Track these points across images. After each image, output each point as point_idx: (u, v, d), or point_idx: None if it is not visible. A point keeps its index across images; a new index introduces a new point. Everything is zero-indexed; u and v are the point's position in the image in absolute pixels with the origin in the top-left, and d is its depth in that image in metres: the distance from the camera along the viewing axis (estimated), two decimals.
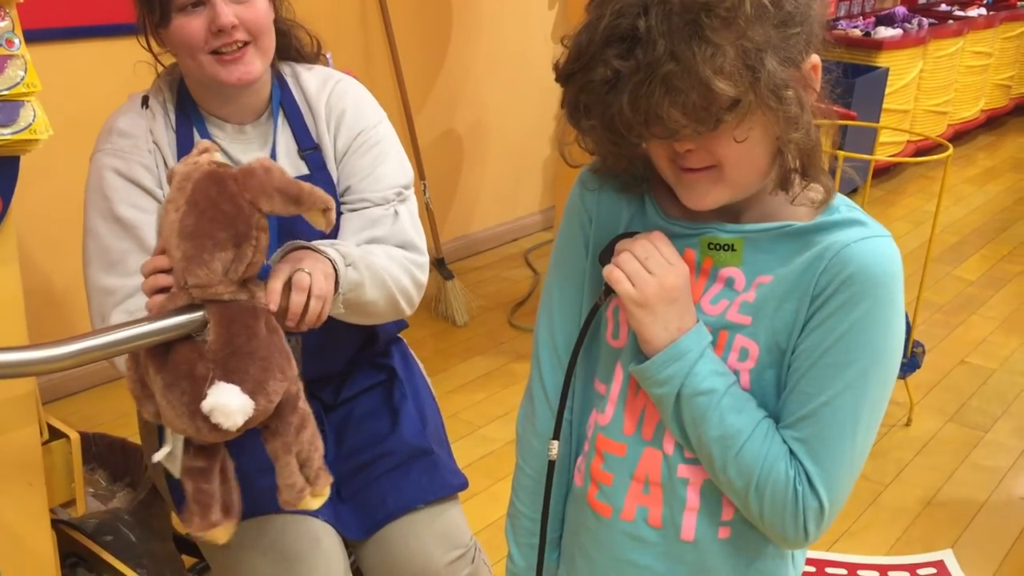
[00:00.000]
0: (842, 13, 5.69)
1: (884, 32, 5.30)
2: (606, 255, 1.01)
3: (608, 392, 1.06)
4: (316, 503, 1.23)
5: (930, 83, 5.60)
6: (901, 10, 5.77)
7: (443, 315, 3.58)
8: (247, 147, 1.49)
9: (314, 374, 1.51)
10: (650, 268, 0.96)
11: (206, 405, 1.09)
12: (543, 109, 4.33)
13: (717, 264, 0.99)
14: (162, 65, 1.52)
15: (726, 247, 0.98)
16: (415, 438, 1.59)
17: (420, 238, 1.53)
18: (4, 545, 1.37)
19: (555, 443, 1.09)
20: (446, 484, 1.56)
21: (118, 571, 1.67)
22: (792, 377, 0.96)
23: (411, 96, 3.58)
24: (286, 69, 1.55)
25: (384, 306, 1.45)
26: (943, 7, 6.51)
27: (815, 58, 0.92)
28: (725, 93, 0.83)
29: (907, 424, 3.01)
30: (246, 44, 1.40)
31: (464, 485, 1.59)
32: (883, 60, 5.11)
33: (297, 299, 1.21)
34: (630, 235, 1.01)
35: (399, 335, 1.74)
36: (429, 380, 1.76)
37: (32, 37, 1.25)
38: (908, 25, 5.52)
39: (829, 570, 2.35)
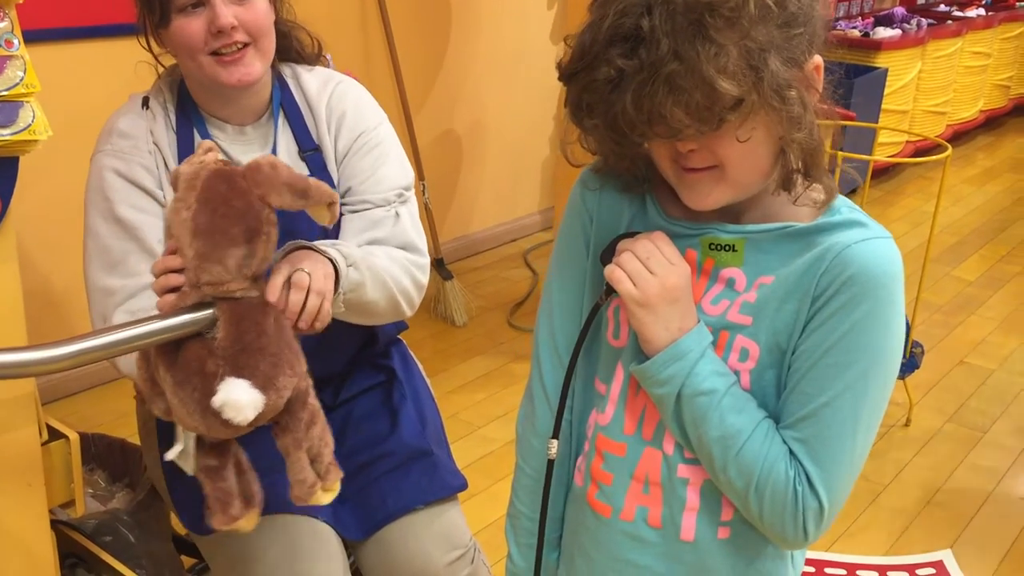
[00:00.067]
0: (841, 13, 5.70)
1: (883, 32, 5.30)
2: (607, 255, 1.01)
3: (608, 392, 1.06)
4: (327, 498, 1.24)
5: (929, 83, 5.61)
6: (900, 10, 5.77)
7: (442, 316, 3.59)
8: (247, 148, 1.49)
9: (314, 375, 1.51)
10: (652, 268, 0.96)
11: (217, 400, 1.09)
12: (542, 109, 4.33)
13: (718, 264, 0.99)
14: (162, 66, 1.52)
15: (727, 247, 0.99)
16: (414, 439, 1.59)
17: (421, 239, 1.53)
18: (4, 546, 1.37)
19: (554, 442, 1.09)
20: (445, 485, 1.56)
21: (117, 572, 1.67)
22: (792, 378, 0.96)
23: (410, 96, 3.58)
24: (286, 70, 1.55)
25: (385, 307, 1.45)
26: (942, 7, 6.52)
27: (818, 59, 0.93)
28: (728, 93, 0.83)
29: (906, 424, 3.01)
30: (246, 45, 1.40)
31: (464, 486, 1.59)
32: (882, 60, 5.11)
33: (295, 297, 1.21)
34: (631, 235, 1.01)
35: (399, 336, 1.74)
36: (428, 381, 1.76)
37: (31, 37, 1.25)
38: (907, 25, 5.53)
39: (828, 570, 2.35)
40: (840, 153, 2.50)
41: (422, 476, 1.56)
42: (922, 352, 3.04)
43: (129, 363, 1.38)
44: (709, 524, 1.02)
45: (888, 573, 2.37)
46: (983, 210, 5.16)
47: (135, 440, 1.81)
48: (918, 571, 2.37)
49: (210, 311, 1.14)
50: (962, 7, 6.50)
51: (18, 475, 1.37)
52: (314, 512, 1.48)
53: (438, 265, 3.59)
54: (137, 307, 1.37)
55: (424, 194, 3.43)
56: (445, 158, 4.00)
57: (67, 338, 1.10)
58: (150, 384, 1.18)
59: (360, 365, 1.66)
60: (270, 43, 1.45)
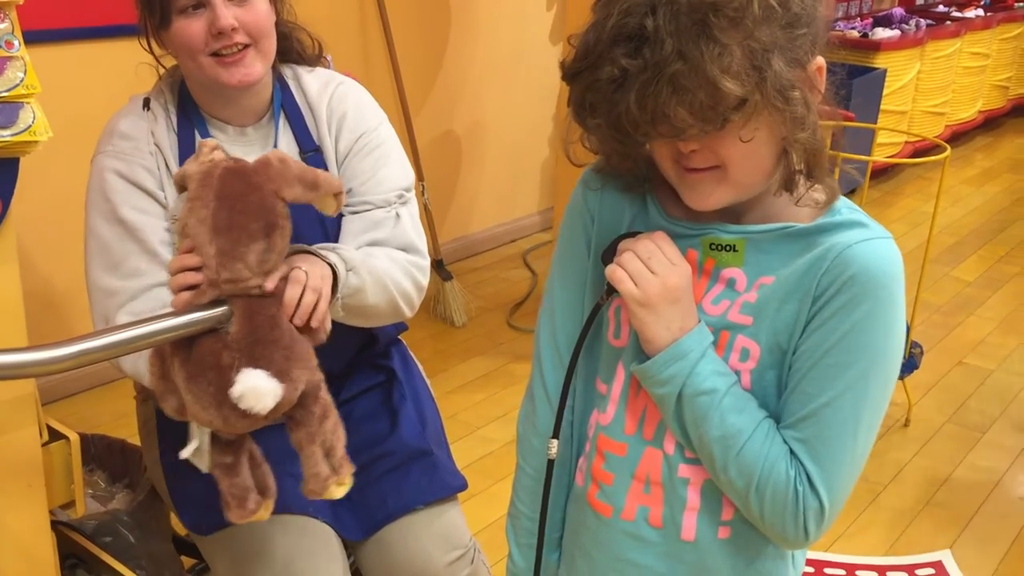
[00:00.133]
0: (840, 14, 5.70)
1: (882, 33, 5.30)
2: (608, 254, 1.01)
3: (609, 392, 1.06)
4: (340, 492, 1.25)
5: (928, 84, 5.61)
6: (899, 11, 5.78)
7: (442, 316, 3.59)
8: (248, 149, 1.49)
9: None
10: (653, 268, 0.96)
11: (236, 391, 1.10)
12: (541, 110, 4.34)
13: (719, 265, 1.00)
14: (163, 67, 1.52)
15: (728, 248, 0.99)
16: (414, 439, 1.60)
17: (421, 241, 1.54)
18: (4, 547, 1.37)
19: (554, 442, 1.09)
20: (445, 485, 1.57)
21: (117, 572, 1.67)
22: (793, 378, 0.96)
23: (409, 97, 3.58)
24: (287, 71, 1.55)
25: (385, 309, 1.45)
26: (941, 8, 6.52)
27: (820, 59, 0.93)
28: (732, 93, 0.84)
29: (905, 425, 3.01)
30: (247, 46, 1.41)
31: (463, 486, 1.59)
32: (881, 61, 5.11)
33: (292, 291, 1.21)
34: (632, 235, 1.01)
35: (399, 337, 1.74)
36: (428, 381, 1.76)
37: (32, 38, 1.25)
38: (906, 26, 5.53)
39: (828, 571, 2.36)
40: (839, 154, 2.50)
41: (422, 476, 1.56)
42: (921, 352, 3.04)
43: (133, 363, 1.39)
44: (710, 524, 1.02)
45: (887, 573, 2.37)
46: (982, 211, 5.16)
47: (135, 441, 1.81)
48: (917, 571, 2.37)
49: (224, 308, 1.16)
50: (961, 8, 6.50)
51: (18, 476, 1.37)
52: (314, 512, 1.48)
53: (438, 266, 3.59)
54: (139, 308, 1.37)
55: (424, 195, 3.43)
56: (444, 159, 4.00)
57: (69, 339, 1.11)
58: (163, 382, 1.19)
59: (360, 365, 1.66)
60: (271, 44, 1.45)
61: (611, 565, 1.08)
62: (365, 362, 1.67)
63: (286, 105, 1.52)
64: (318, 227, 1.47)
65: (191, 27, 1.37)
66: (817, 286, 0.94)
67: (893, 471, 2.78)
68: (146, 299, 1.39)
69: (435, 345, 3.39)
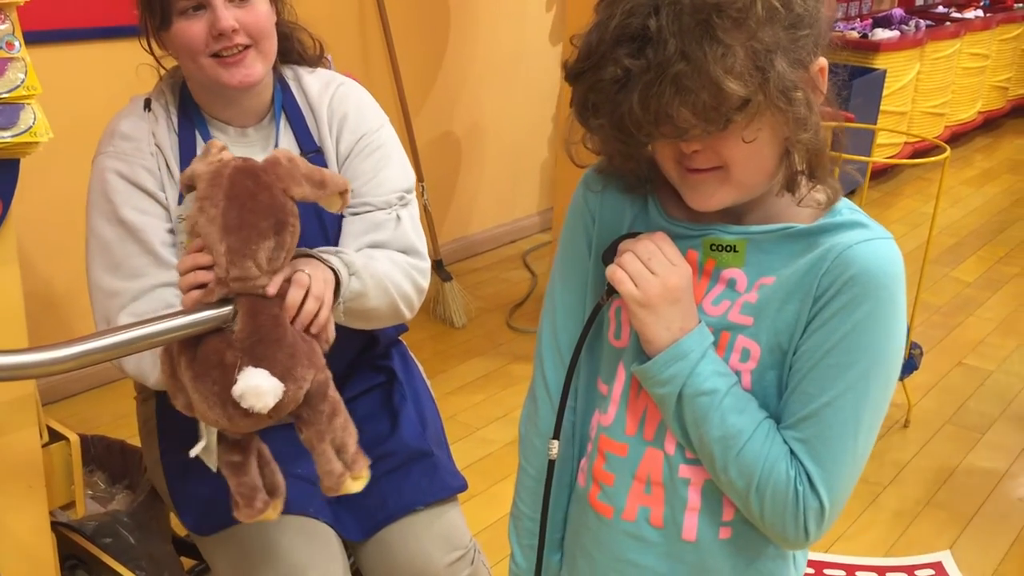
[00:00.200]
0: (839, 15, 5.70)
1: (881, 34, 5.31)
2: (609, 255, 1.01)
3: (610, 392, 1.06)
4: (357, 486, 1.25)
5: (927, 85, 5.61)
6: (898, 12, 5.78)
7: (441, 317, 3.59)
8: (249, 150, 1.49)
9: None
10: (653, 268, 0.97)
11: (237, 389, 1.11)
12: (541, 111, 4.34)
13: (719, 265, 1.00)
14: (164, 68, 1.52)
15: (728, 248, 0.99)
16: (415, 440, 1.60)
17: (422, 243, 1.54)
18: (4, 548, 1.37)
19: (555, 443, 1.09)
20: (446, 486, 1.57)
21: (117, 573, 1.67)
22: (794, 378, 0.96)
23: (409, 98, 3.58)
24: (288, 72, 1.55)
25: (386, 312, 1.45)
26: (940, 9, 6.53)
27: (822, 60, 0.93)
28: (735, 93, 0.84)
29: (905, 425, 3.01)
30: (247, 47, 1.40)
31: (464, 487, 1.59)
32: (880, 62, 5.11)
33: (295, 294, 1.21)
34: (633, 235, 1.01)
35: (399, 338, 1.74)
36: (428, 382, 1.76)
37: (33, 39, 1.25)
38: (905, 27, 5.53)
39: (828, 571, 2.36)
40: (840, 155, 2.50)
41: (422, 477, 1.56)
42: (921, 353, 3.04)
43: (135, 364, 1.39)
44: (710, 524, 1.02)
45: (887, 574, 2.37)
46: (981, 211, 5.17)
47: (135, 441, 1.81)
48: (917, 572, 2.37)
49: (227, 308, 1.17)
50: (960, 8, 6.51)
51: (19, 477, 1.37)
52: (315, 513, 1.48)
53: (437, 266, 3.59)
54: (141, 309, 1.37)
55: (423, 195, 3.43)
56: (444, 160, 4.00)
57: (70, 339, 1.11)
58: (172, 380, 1.20)
59: (360, 366, 1.66)
60: (271, 45, 1.45)
61: (612, 566, 1.08)
62: (365, 363, 1.67)
63: (287, 106, 1.52)
64: (317, 227, 1.47)
65: (191, 28, 1.37)
66: (818, 286, 0.94)
67: (893, 472, 2.78)
68: (148, 300, 1.39)
69: (435, 346, 3.39)
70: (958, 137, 6.29)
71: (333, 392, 1.23)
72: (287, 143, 1.51)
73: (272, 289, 1.19)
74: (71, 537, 1.71)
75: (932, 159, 3.11)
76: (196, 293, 1.19)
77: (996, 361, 3.48)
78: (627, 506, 1.05)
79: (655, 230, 1.01)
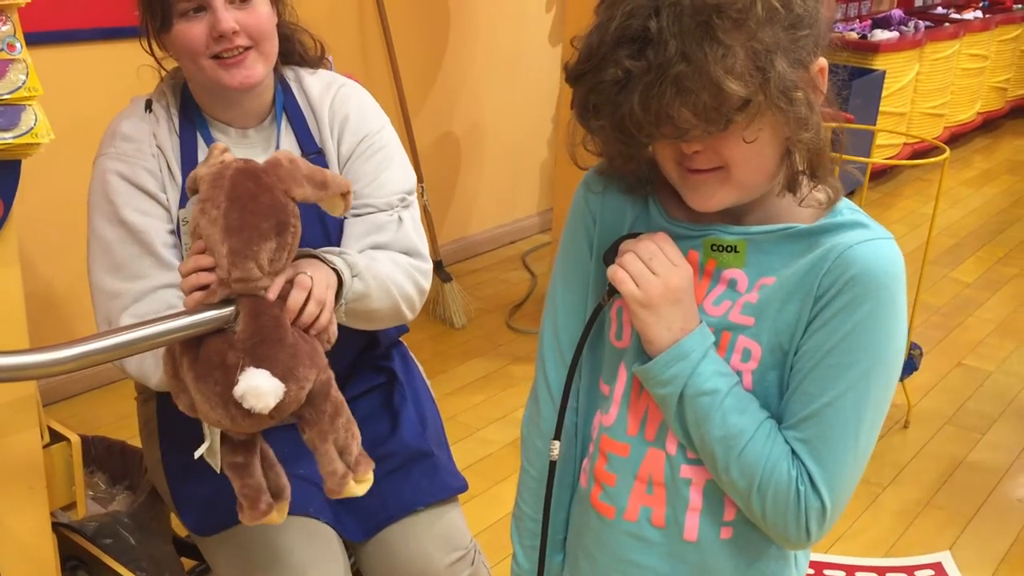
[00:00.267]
0: (839, 16, 5.70)
1: (880, 35, 5.31)
2: (610, 255, 1.01)
3: (612, 393, 1.06)
4: (360, 490, 1.26)
5: (926, 86, 5.62)
6: (897, 13, 5.78)
7: (441, 317, 3.59)
8: (250, 151, 1.49)
9: None
10: (654, 269, 0.97)
11: (238, 390, 1.12)
12: (541, 112, 4.34)
13: (720, 265, 1.00)
14: (164, 69, 1.53)
15: (729, 249, 0.99)
16: (415, 440, 1.60)
17: (423, 244, 1.54)
18: (5, 548, 1.37)
19: (556, 443, 1.09)
20: (446, 486, 1.57)
21: (118, 574, 1.67)
22: (795, 378, 0.96)
23: (409, 99, 3.58)
24: (289, 73, 1.55)
25: (388, 313, 1.45)
26: (939, 10, 6.53)
27: (822, 61, 0.93)
28: (736, 93, 0.84)
29: (905, 426, 3.01)
30: (248, 48, 1.41)
31: (464, 487, 1.59)
32: (879, 63, 5.12)
33: (297, 295, 1.22)
34: (634, 236, 1.01)
35: (399, 338, 1.74)
36: (429, 383, 1.76)
37: (34, 40, 1.25)
38: (904, 28, 5.54)
39: (828, 572, 2.36)
40: (840, 155, 2.50)
41: (423, 477, 1.56)
42: (920, 354, 3.04)
43: (137, 365, 1.39)
44: (712, 524, 1.02)
45: (887, 574, 2.37)
46: (981, 212, 5.17)
47: (135, 442, 1.81)
48: (917, 572, 2.38)
49: (229, 308, 1.17)
50: (959, 9, 6.51)
51: (20, 478, 1.37)
52: (315, 513, 1.48)
53: (437, 267, 3.60)
54: (142, 311, 1.38)
55: (423, 196, 3.43)
56: (444, 160, 4.00)
57: (72, 340, 1.11)
58: (175, 380, 1.20)
59: (361, 367, 1.66)
60: (272, 46, 1.45)
61: (614, 566, 1.08)
62: (366, 364, 1.67)
63: (288, 107, 1.52)
64: (319, 228, 1.47)
65: (192, 30, 1.38)
66: (818, 286, 0.94)
67: (893, 472, 2.78)
68: (149, 301, 1.39)
69: (434, 347, 3.39)
70: (957, 138, 6.29)
71: (336, 392, 1.23)
72: (288, 144, 1.51)
73: (273, 293, 1.19)
74: (72, 538, 1.71)
75: (931, 160, 3.11)
76: (198, 294, 1.19)
77: (995, 362, 3.48)
78: (629, 506, 1.05)
79: (656, 231, 1.01)
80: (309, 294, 1.23)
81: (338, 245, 1.48)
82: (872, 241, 0.94)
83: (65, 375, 1.15)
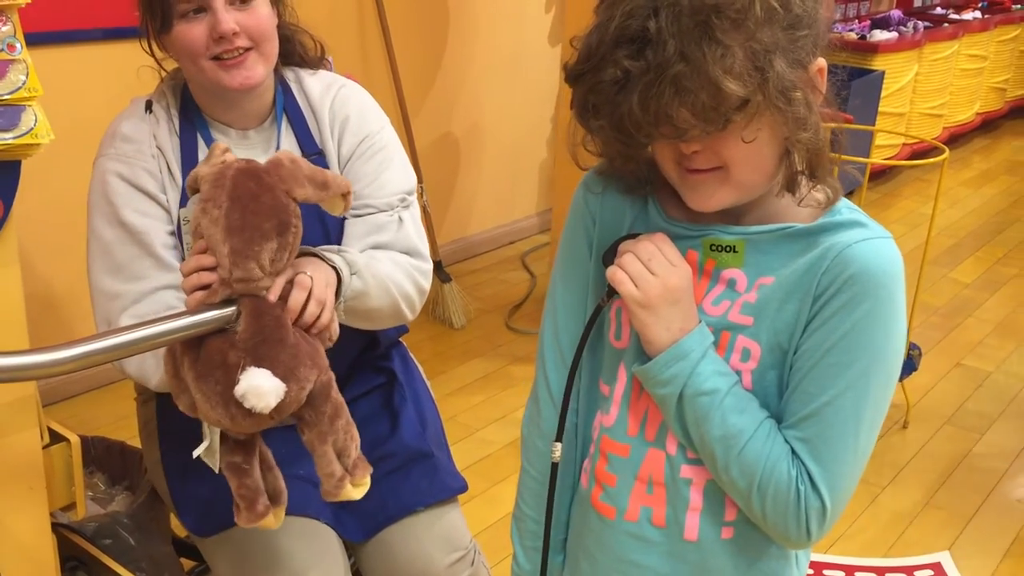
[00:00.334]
0: (838, 16, 5.71)
1: (879, 35, 5.32)
2: (609, 256, 1.01)
3: (612, 393, 1.06)
4: (357, 493, 1.26)
5: (925, 86, 5.62)
6: (896, 13, 5.79)
7: (440, 318, 3.59)
8: (251, 152, 1.49)
9: None
10: (653, 269, 0.97)
11: (239, 389, 1.12)
12: (540, 112, 4.34)
13: (719, 265, 1.00)
14: (164, 70, 1.53)
15: (728, 248, 0.99)
16: (415, 441, 1.60)
17: (423, 244, 1.54)
18: (5, 549, 1.37)
19: (558, 445, 1.09)
20: (446, 487, 1.57)
21: (117, 574, 1.67)
22: (794, 377, 0.96)
23: (408, 99, 3.58)
24: (289, 74, 1.56)
25: (387, 312, 1.46)
26: (938, 10, 6.53)
27: (821, 61, 0.93)
28: (735, 93, 0.84)
29: (904, 426, 3.01)
30: (248, 49, 1.41)
31: (464, 488, 1.59)
32: (879, 63, 5.12)
33: (297, 295, 1.22)
34: (633, 236, 1.01)
35: (399, 339, 1.74)
36: (428, 383, 1.76)
37: (34, 41, 1.25)
38: (903, 28, 5.54)
39: (827, 572, 2.36)
40: (839, 156, 2.50)
41: (422, 478, 1.56)
42: (920, 354, 3.04)
43: (137, 366, 1.39)
44: (712, 524, 1.03)
45: (887, 574, 2.37)
46: (980, 212, 5.17)
47: (135, 443, 1.81)
48: (916, 572, 2.38)
49: (230, 308, 1.18)
50: (958, 10, 6.52)
51: (19, 478, 1.37)
52: (315, 514, 1.48)
53: (436, 268, 3.59)
54: (142, 312, 1.38)
55: (422, 197, 3.43)
56: (443, 161, 4.00)
57: (72, 341, 1.11)
58: (175, 380, 1.20)
59: (361, 367, 1.66)
60: (272, 47, 1.45)
61: (614, 566, 1.08)
62: (366, 364, 1.67)
63: (288, 108, 1.53)
64: (319, 228, 1.47)
65: (192, 31, 1.38)
66: (817, 285, 0.94)
67: (892, 472, 2.79)
68: (149, 302, 1.39)
69: (434, 347, 3.39)
70: (956, 138, 6.30)
71: (336, 394, 1.23)
72: (288, 145, 1.51)
73: (273, 295, 1.19)
74: (71, 538, 1.71)
75: (930, 160, 3.11)
76: (200, 294, 1.20)
77: (995, 362, 3.48)
78: (629, 507, 1.05)
79: (655, 231, 1.01)
80: (309, 294, 1.23)
81: (338, 245, 1.48)
82: (871, 240, 0.94)
83: (65, 375, 1.15)
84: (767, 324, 0.97)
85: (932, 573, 2.37)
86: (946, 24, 5.92)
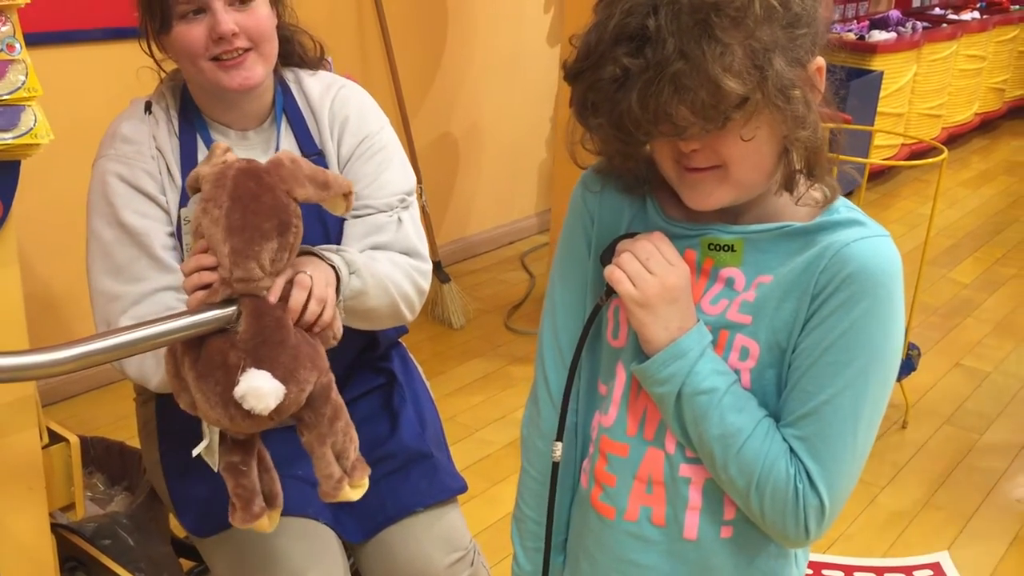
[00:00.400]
0: (836, 16, 5.71)
1: (878, 36, 5.32)
2: (607, 255, 1.01)
3: (610, 393, 1.06)
4: (356, 494, 1.26)
5: (924, 87, 5.62)
6: (895, 14, 5.79)
7: (440, 318, 3.59)
8: (250, 153, 1.49)
9: None
10: (651, 268, 0.97)
11: (239, 391, 1.12)
12: (539, 112, 4.34)
13: (717, 264, 1.00)
14: (164, 71, 1.53)
15: (726, 247, 0.99)
16: (414, 441, 1.60)
17: (423, 244, 1.54)
18: (4, 549, 1.37)
19: (558, 445, 1.09)
20: (445, 487, 1.57)
21: (116, 575, 1.67)
22: (792, 376, 0.97)
23: (407, 100, 3.58)
24: (289, 75, 1.56)
25: (386, 312, 1.46)
26: (937, 11, 6.54)
27: (820, 60, 0.94)
28: (734, 91, 0.84)
29: (903, 427, 3.02)
30: (247, 50, 1.41)
31: (463, 488, 1.59)
32: (877, 64, 5.12)
33: (298, 295, 1.22)
34: (631, 236, 1.01)
35: (399, 339, 1.74)
36: (428, 383, 1.76)
37: (33, 41, 1.25)
38: (902, 29, 5.54)
39: (826, 572, 2.36)
40: (837, 156, 2.50)
41: (422, 479, 1.56)
42: (919, 354, 3.05)
43: (137, 366, 1.39)
44: (712, 523, 1.03)
45: (886, 574, 2.37)
46: (978, 213, 5.18)
47: (134, 443, 1.81)
48: (915, 572, 2.38)
49: (230, 308, 1.18)
50: (957, 10, 6.52)
51: (19, 478, 1.37)
52: (314, 514, 1.48)
53: (435, 268, 3.59)
54: (142, 313, 1.37)
55: (421, 197, 3.43)
56: (442, 161, 4.00)
57: (71, 341, 1.11)
58: (176, 380, 1.20)
59: (360, 368, 1.66)
60: (272, 48, 1.45)
61: (614, 566, 1.08)
62: (365, 365, 1.67)
63: (288, 109, 1.53)
64: (319, 228, 1.47)
65: (192, 32, 1.38)
66: (815, 284, 0.94)
67: (891, 472, 2.79)
68: (148, 304, 1.39)
69: (433, 347, 3.40)
70: (955, 139, 6.30)
71: (335, 396, 1.23)
72: (288, 146, 1.51)
73: (273, 296, 1.19)
74: (71, 539, 1.71)
75: (929, 161, 3.11)
76: (200, 294, 1.20)
77: (994, 362, 3.49)
78: (629, 507, 1.05)
79: (653, 230, 1.01)
80: (310, 293, 1.23)
81: (338, 245, 1.48)
82: (869, 239, 0.94)
83: (64, 376, 1.15)
84: (765, 323, 0.97)
85: (931, 573, 2.37)
86: (944, 24, 5.93)
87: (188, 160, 1.46)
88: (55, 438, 1.57)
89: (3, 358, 1.08)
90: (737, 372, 0.98)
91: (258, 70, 1.42)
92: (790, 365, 0.97)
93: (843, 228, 0.95)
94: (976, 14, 6.40)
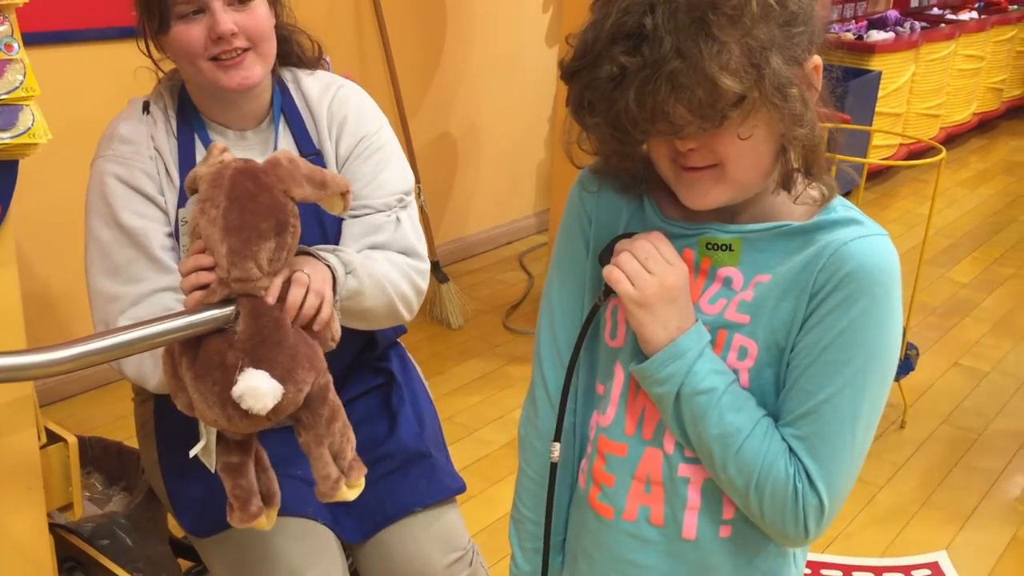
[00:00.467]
0: (834, 17, 5.71)
1: (876, 36, 5.32)
2: (606, 255, 1.01)
3: (608, 393, 1.06)
4: (352, 494, 1.26)
5: (922, 86, 5.63)
6: (893, 14, 5.80)
7: (438, 318, 3.59)
8: (248, 153, 1.49)
9: None
10: (650, 268, 0.97)
11: (236, 390, 1.12)
12: (538, 112, 4.34)
13: (715, 264, 1.00)
14: (162, 71, 1.52)
15: (724, 247, 0.99)
16: (413, 442, 1.60)
17: (421, 244, 1.54)
18: (3, 549, 1.37)
19: (556, 445, 1.09)
20: (444, 487, 1.57)
21: (114, 575, 1.67)
22: (791, 375, 0.97)
23: (406, 100, 3.58)
24: (287, 75, 1.55)
25: (383, 312, 1.45)
26: (935, 11, 6.54)
27: (817, 59, 0.94)
28: (731, 89, 0.84)
29: (901, 426, 3.02)
30: (246, 50, 1.40)
31: (462, 488, 1.59)
32: (876, 64, 5.13)
33: (296, 292, 1.22)
34: (629, 235, 1.01)
35: (397, 339, 1.74)
36: (426, 383, 1.76)
37: (31, 40, 1.25)
38: (900, 29, 5.55)
39: (824, 572, 2.36)
40: (835, 156, 2.50)
41: (420, 479, 1.56)
42: (917, 354, 3.05)
43: (136, 367, 1.39)
44: (710, 523, 1.03)
45: (884, 574, 2.37)
46: (976, 212, 5.18)
47: (132, 443, 1.81)
48: (914, 572, 2.38)
49: (228, 308, 1.18)
50: (955, 10, 6.52)
51: (17, 479, 1.37)
52: (313, 514, 1.48)
53: (434, 268, 3.59)
54: (140, 314, 1.37)
55: (420, 197, 3.43)
56: (441, 161, 4.00)
57: (69, 341, 1.11)
58: (173, 380, 1.20)
59: (359, 368, 1.66)
60: (270, 48, 1.45)
61: (612, 566, 1.08)
62: (364, 365, 1.67)
63: (286, 109, 1.52)
64: (317, 228, 1.47)
65: (190, 32, 1.37)
66: (814, 283, 0.94)
67: (890, 472, 2.79)
68: (147, 304, 1.39)
69: (431, 347, 3.40)
70: (953, 138, 6.30)
71: (333, 396, 1.23)
72: (286, 146, 1.51)
73: (271, 297, 1.19)
74: (69, 539, 1.71)
75: (927, 161, 3.11)
76: (198, 293, 1.20)
77: (992, 362, 3.49)
78: (627, 507, 1.05)
79: (651, 230, 1.01)
80: (307, 289, 1.23)
81: (336, 245, 1.48)
82: (867, 237, 0.94)
83: (62, 376, 1.15)
84: (764, 322, 0.97)
85: (930, 572, 2.38)
86: (943, 24, 5.93)
87: (186, 160, 1.46)
88: (53, 438, 1.57)
89: (1, 358, 1.08)
90: (735, 372, 0.98)
91: (257, 70, 1.42)
92: (788, 364, 0.97)
93: (841, 227, 0.95)
94: (974, 14, 6.41)
